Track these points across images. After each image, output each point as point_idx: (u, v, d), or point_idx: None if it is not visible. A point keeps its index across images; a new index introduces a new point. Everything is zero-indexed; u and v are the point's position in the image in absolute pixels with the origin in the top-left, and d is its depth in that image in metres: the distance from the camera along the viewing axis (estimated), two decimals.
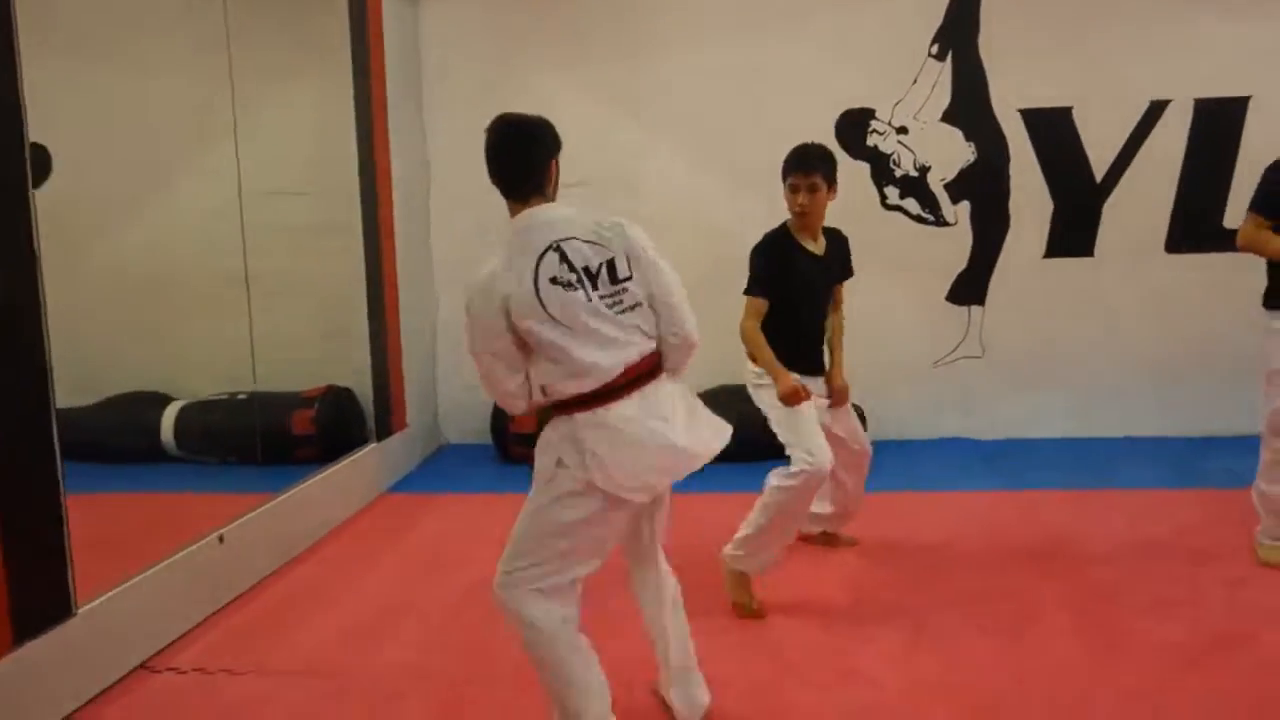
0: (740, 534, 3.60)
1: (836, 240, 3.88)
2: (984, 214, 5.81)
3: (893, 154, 5.79)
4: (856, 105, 5.77)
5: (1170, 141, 5.66)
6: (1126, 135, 5.67)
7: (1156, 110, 5.64)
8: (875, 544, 4.32)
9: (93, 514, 4.16)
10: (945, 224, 5.84)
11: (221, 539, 3.90)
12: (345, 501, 4.97)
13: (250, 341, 4.56)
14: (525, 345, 2.48)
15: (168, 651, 3.47)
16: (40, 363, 3.00)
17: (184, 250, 4.84)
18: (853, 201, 5.75)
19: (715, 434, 2.65)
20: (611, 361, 2.46)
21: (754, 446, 5.40)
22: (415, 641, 3.50)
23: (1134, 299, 5.79)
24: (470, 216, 6.10)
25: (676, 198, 5.70)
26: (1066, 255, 5.79)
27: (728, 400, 4.99)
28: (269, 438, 4.95)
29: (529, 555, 2.53)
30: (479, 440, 6.06)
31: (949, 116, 5.73)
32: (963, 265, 5.86)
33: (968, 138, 5.74)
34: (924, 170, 5.79)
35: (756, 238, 3.77)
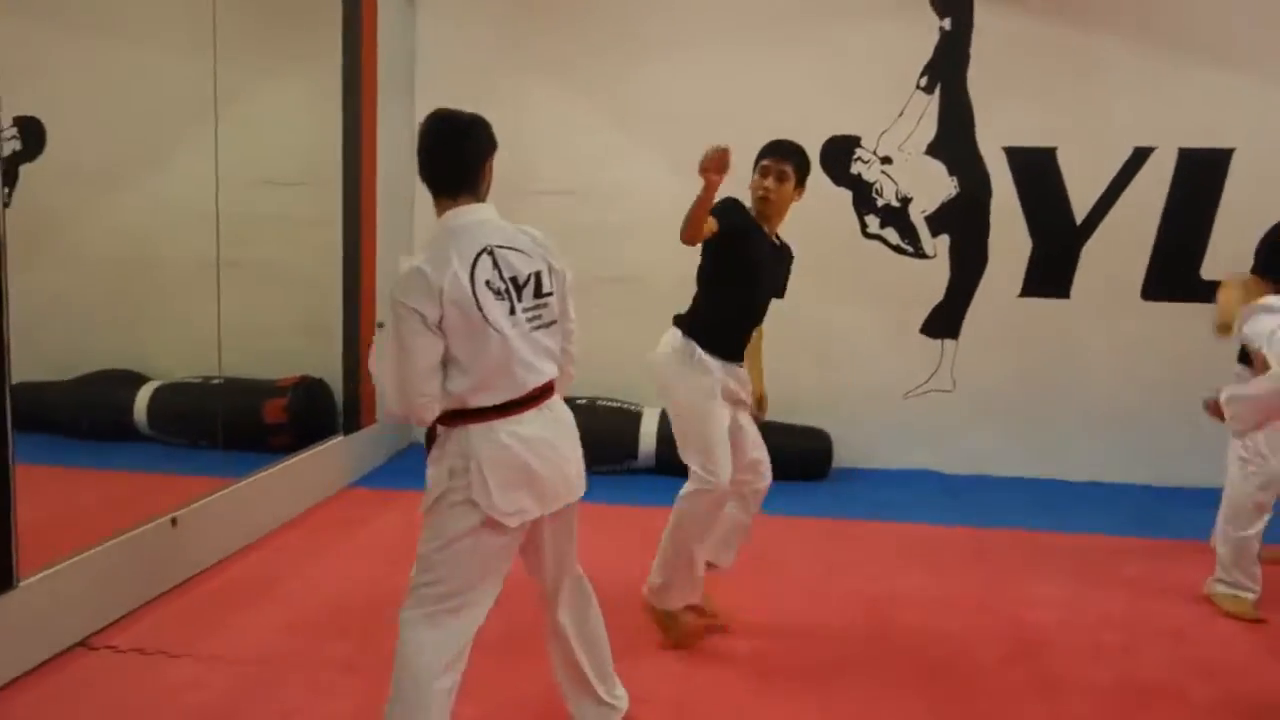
0: (655, 563, 3.54)
1: (786, 252, 3.68)
2: (963, 248, 5.86)
3: (876, 183, 5.84)
4: (842, 132, 5.82)
5: (1152, 189, 5.71)
6: (1109, 179, 5.72)
7: (1140, 156, 5.69)
8: (820, 570, 4.35)
9: (53, 487, 4.23)
10: (924, 256, 5.88)
11: (174, 522, 3.93)
12: (307, 492, 5.00)
13: (217, 328, 4.59)
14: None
15: (109, 630, 3.50)
16: None
17: (166, 233, 4.90)
18: (833, 228, 5.85)
19: (583, 470, 2.64)
20: (522, 379, 2.43)
21: None
22: (356, 636, 3.53)
23: (1106, 343, 5.83)
24: None
25: (658, 208, 5.69)
26: (1042, 295, 5.84)
27: None
28: (240, 424, 4.99)
29: (430, 571, 2.44)
30: None
31: (934, 149, 5.78)
32: (939, 298, 5.91)
33: (951, 171, 5.79)
34: (906, 201, 5.84)
35: None
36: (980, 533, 4.92)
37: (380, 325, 2.51)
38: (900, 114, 5.77)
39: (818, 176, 5.75)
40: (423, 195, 6.36)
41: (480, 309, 2.36)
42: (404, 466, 5.90)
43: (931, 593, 4.12)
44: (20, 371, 4.85)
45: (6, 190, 4.67)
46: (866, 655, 3.53)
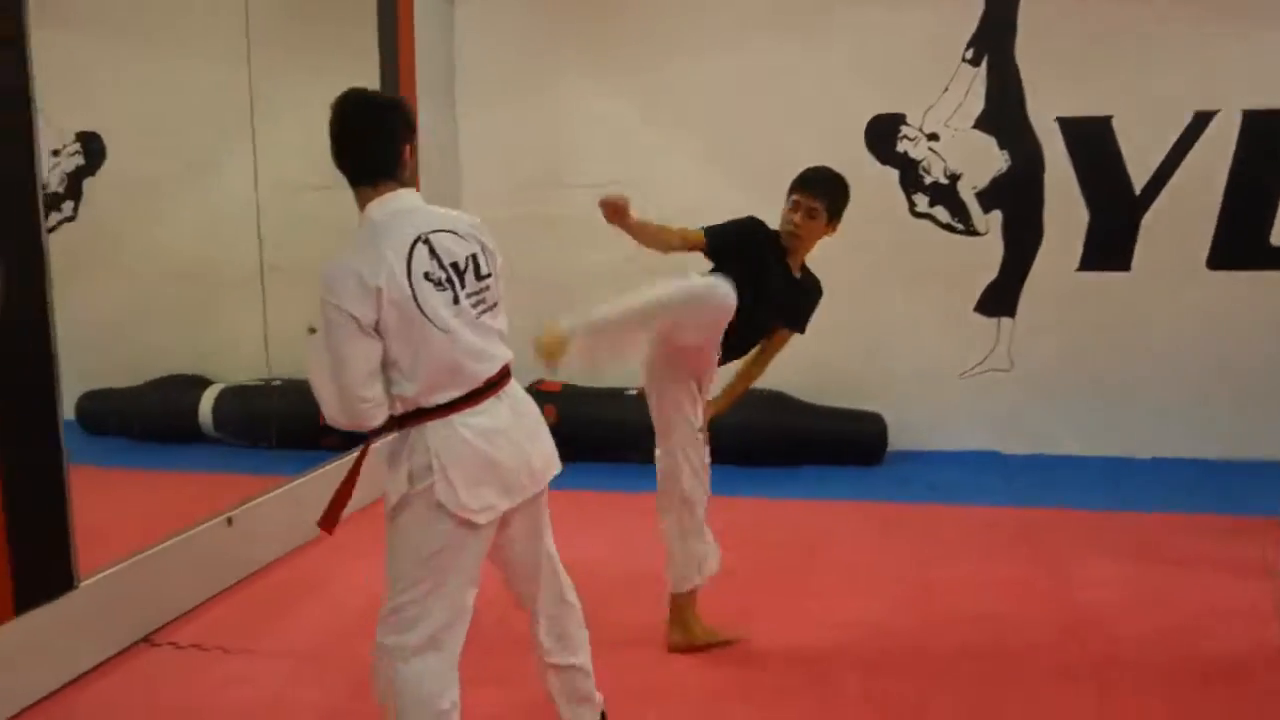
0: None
1: (810, 284, 3.47)
2: (1016, 224, 5.73)
3: (923, 160, 5.74)
4: (887, 111, 5.72)
5: (1215, 154, 5.50)
6: (1169, 147, 5.53)
7: (1202, 121, 5.49)
8: (871, 555, 4.31)
9: (120, 489, 4.38)
10: (975, 233, 5.77)
11: (230, 521, 4.03)
12: (362, 490, 5.05)
13: (264, 331, 4.68)
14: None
15: (171, 626, 3.61)
16: (45, 341, 3.12)
17: (218, 240, 5.00)
18: (881, 208, 5.76)
19: (553, 454, 2.49)
20: (474, 370, 2.28)
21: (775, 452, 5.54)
22: None
23: (1171, 316, 5.65)
24: (502, 213, 6.19)
25: (698, 202, 5.64)
26: (1102, 269, 5.68)
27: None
28: (298, 424, 5.09)
29: (399, 594, 2.30)
30: None
31: (982, 123, 5.66)
32: (993, 276, 5.78)
33: (1001, 145, 5.66)
34: (954, 178, 5.73)
35: None
36: (1038, 513, 4.82)
37: (311, 331, 2.33)
38: (946, 89, 5.65)
39: (862, 157, 5.74)
40: (469, 196, 6.42)
41: (420, 307, 2.19)
42: None
43: (985, 575, 4.05)
44: (93, 378, 5.05)
45: (73, 204, 4.86)
46: (916, 641, 3.49)
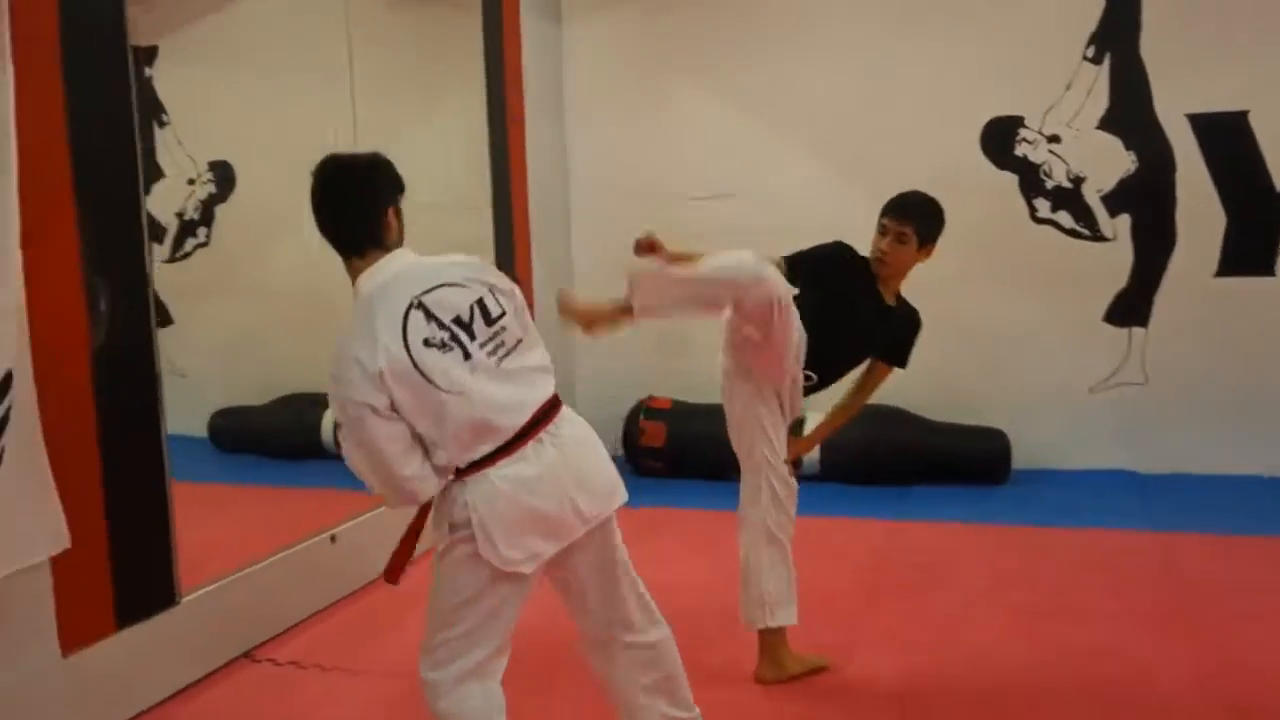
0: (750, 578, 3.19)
1: (906, 313, 3.30)
2: (1147, 228, 5.40)
3: (1043, 164, 5.48)
4: (1004, 113, 5.49)
5: None
6: None
7: None
8: (985, 582, 4.08)
9: (233, 505, 4.50)
10: (1102, 239, 5.47)
11: (334, 538, 4.08)
12: None
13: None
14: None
15: (273, 642, 3.65)
16: (149, 363, 3.20)
17: (335, 263, 5.13)
18: (1000, 215, 5.53)
19: (611, 487, 2.33)
20: (505, 423, 2.16)
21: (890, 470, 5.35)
22: None
23: None
24: (614, 229, 6.18)
25: (816, 211, 5.55)
26: (1242, 273, 5.29)
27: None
28: None
29: (438, 631, 2.27)
30: (611, 453, 6.08)
31: (1106, 123, 5.37)
32: (1122, 284, 5.46)
33: (1128, 146, 5.36)
34: (1078, 181, 5.45)
35: None
36: (1173, 537, 4.49)
37: (336, 426, 2.24)
38: (1067, 88, 5.39)
39: (979, 163, 5.52)
40: (579, 213, 6.43)
41: (427, 376, 2.09)
42: None
43: (1110, 606, 3.77)
44: (225, 397, 5.23)
45: (206, 230, 5.06)
46: (1030, 675, 3.25)
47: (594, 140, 6.20)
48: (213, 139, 4.88)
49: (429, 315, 2.14)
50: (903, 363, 3.31)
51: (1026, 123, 5.48)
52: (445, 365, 2.11)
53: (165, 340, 4.87)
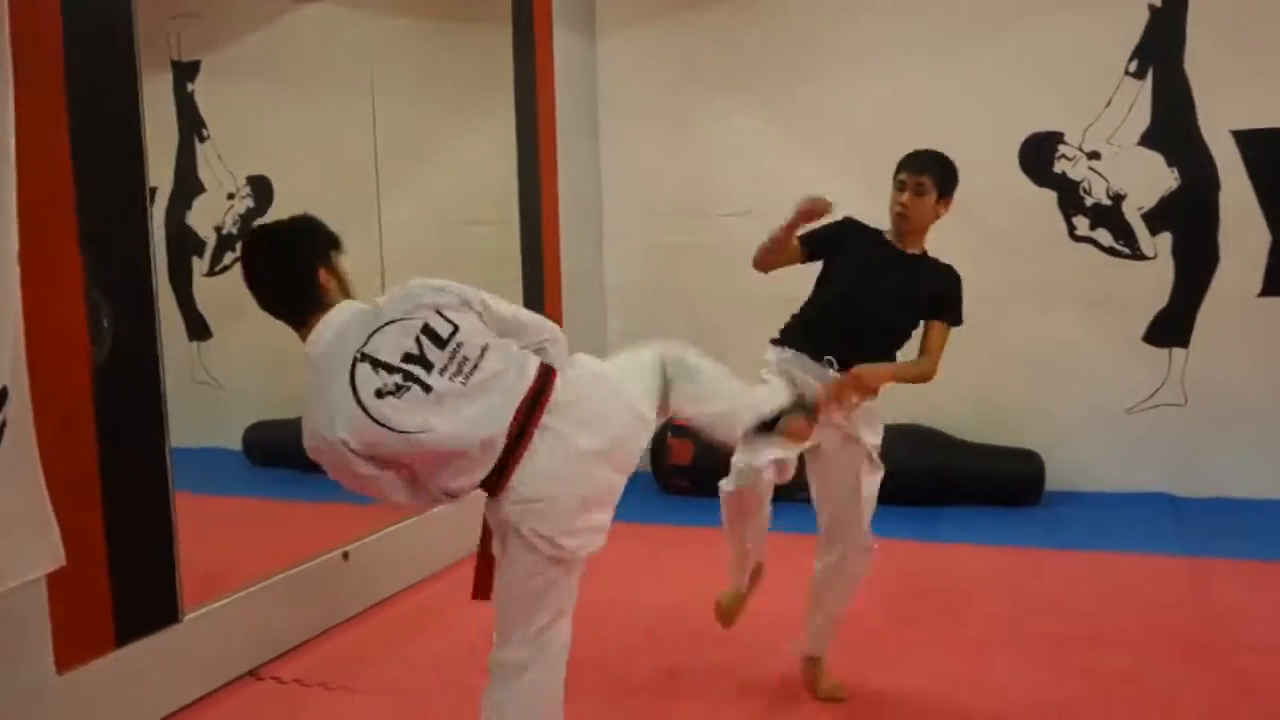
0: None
1: (939, 269, 3.23)
2: (1188, 246, 5.24)
3: (1083, 181, 5.33)
4: (1043, 129, 5.36)
5: None
6: None
7: None
8: (1008, 607, 3.98)
9: (251, 519, 4.50)
10: (1143, 257, 5.31)
11: (346, 556, 4.06)
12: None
13: None
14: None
15: (278, 661, 3.64)
16: (153, 376, 3.19)
17: (387, 274, 5.12)
18: (1038, 233, 5.41)
19: (634, 414, 2.29)
20: (488, 434, 2.11)
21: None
22: None
23: None
24: (647, 241, 6.15)
25: None
26: None
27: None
28: None
29: (509, 632, 2.25)
30: (638, 469, 6.03)
31: (1148, 139, 5.22)
32: (1163, 303, 5.30)
33: (1170, 163, 5.20)
34: (1118, 198, 5.30)
35: None
36: (1214, 564, 4.34)
37: None
38: (1108, 104, 5.24)
39: (1017, 179, 5.40)
40: (611, 229, 6.35)
41: (391, 427, 2.06)
42: None
43: (1135, 633, 3.67)
44: (259, 411, 5.24)
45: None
46: (1048, 704, 3.17)
47: (628, 155, 6.17)
48: (251, 154, 4.91)
49: (375, 364, 2.10)
50: (955, 317, 3.19)
51: (1066, 139, 5.34)
52: (405, 408, 2.08)
53: (204, 353, 4.93)
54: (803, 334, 3.15)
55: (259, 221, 4.84)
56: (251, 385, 5.15)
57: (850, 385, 2.99)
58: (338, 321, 2.17)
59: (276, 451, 5.21)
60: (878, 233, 3.23)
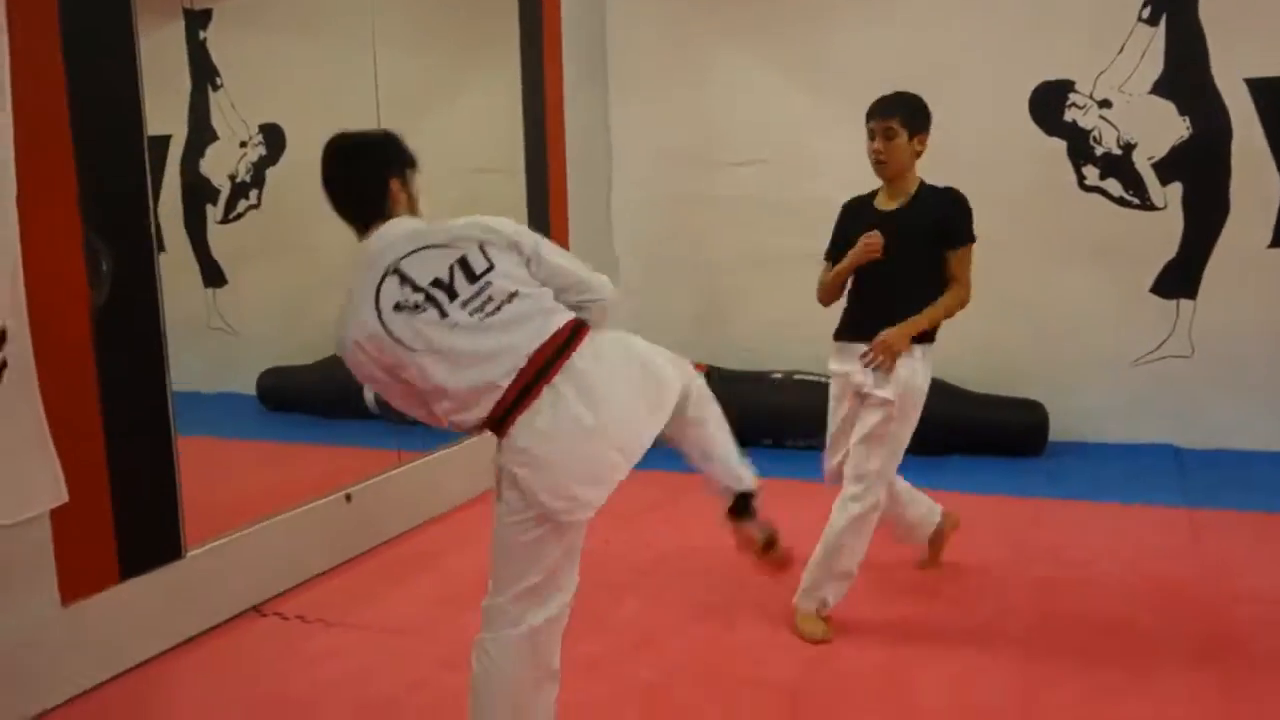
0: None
1: (936, 198, 3.28)
2: (1199, 197, 5.19)
3: (1093, 130, 5.28)
4: (1053, 77, 5.30)
5: None
6: None
7: None
8: (1006, 555, 4.00)
9: (262, 461, 4.58)
10: (1152, 207, 5.27)
11: (349, 497, 4.14)
12: (478, 477, 5.10)
13: None
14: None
15: (281, 598, 3.73)
16: (154, 317, 3.25)
17: None
18: (1047, 182, 5.37)
19: (658, 404, 2.27)
20: (491, 376, 2.13)
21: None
22: None
23: None
24: (657, 190, 6.14)
25: (853, 175, 5.43)
26: None
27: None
28: None
29: (502, 584, 2.26)
30: None
31: (1160, 88, 5.15)
32: (1171, 254, 5.27)
33: (1181, 111, 5.14)
34: (1129, 148, 5.24)
35: None
36: (1213, 515, 4.35)
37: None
38: (1120, 51, 5.17)
39: (1027, 128, 5.34)
40: (620, 179, 6.35)
41: (398, 340, 2.15)
42: None
43: (1128, 581, 3.69)
44: (274, 357, 5.31)
45: (257, 192, 5.12)
46: (1025, 647, 3.21)
47: (638, 103, 6.15)
48: (264, 102, 4.92)
49: (403, 279, 2.18)
50: (964, 238, 3.25)
51: (1077, 87, 5.28)
52: (416, 326, 2.15)
53: (219, 300, 4.99)
54: (841, 323, 3.40)
55: (276, 165, 4.91)
56: (266, 331, 5.21)
57: (878, 350, 3.18)
58: (392, 234, 2.26)
59: (289, 397, 5.29)
60: (870, 196, 3.39)
